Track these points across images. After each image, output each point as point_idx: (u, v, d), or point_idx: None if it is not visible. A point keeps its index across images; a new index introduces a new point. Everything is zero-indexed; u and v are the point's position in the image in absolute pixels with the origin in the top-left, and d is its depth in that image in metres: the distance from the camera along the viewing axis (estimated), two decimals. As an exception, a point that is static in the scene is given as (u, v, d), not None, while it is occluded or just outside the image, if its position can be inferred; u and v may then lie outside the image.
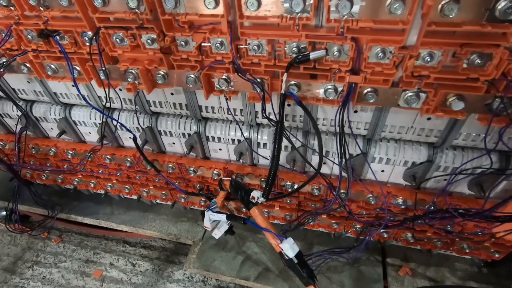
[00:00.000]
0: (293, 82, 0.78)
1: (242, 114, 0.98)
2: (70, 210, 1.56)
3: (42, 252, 1.75)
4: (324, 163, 1.02)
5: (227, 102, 0.91)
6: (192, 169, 1.12)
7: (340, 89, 0.76)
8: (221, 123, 1.04)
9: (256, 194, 0.94)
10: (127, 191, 1.37)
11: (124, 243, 1.76)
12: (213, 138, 1.06)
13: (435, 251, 1.22)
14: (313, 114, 0.90)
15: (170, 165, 1.14)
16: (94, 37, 0.79)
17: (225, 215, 1.02)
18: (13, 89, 1.16)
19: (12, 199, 1.47)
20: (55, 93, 1.12)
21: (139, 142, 1.09)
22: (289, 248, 0.88)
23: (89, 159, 1.19)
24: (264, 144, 1.03)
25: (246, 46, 0.73)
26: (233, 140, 1.05)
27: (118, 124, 1.07)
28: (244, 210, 1.25)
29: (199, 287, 1.55)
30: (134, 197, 1.43)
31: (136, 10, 0.71)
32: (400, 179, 0.99)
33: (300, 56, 0.70)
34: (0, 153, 1.30)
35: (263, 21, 0.68)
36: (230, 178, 1.05)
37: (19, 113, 1.17)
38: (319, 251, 1.26)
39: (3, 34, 0.85)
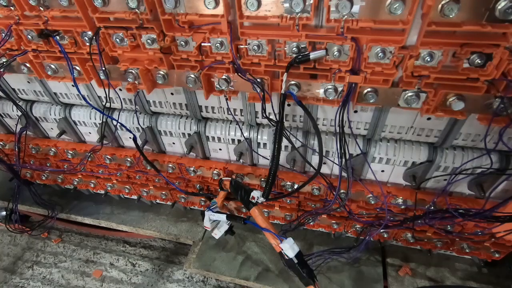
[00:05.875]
0: (293, 82, 0.78)
1: (242, 114, 0.98)
2: (70, 210, 1.56)
3: (42, 252, 1.75)
4: (324, 163, 1.02)
5: (227, 102, 0.92)
6: (192, 169, 1.12)
7: (340, 89, 0.76)
8: (221, 123, 1.04)
9: (256, 194, 0.94)
10: (127, 191, 1.37)
11: (124, 243, 1.76)
12: (213, 138, 1.06)
13: (435, 251, 1.22)
14: (313, 114, 0.90)
15: (170, 165, 1.14)
16: (94, 37, 0.79)
17: (225, 215, 1.02)
18: (13, 89, 1.16)
19: (12, 199, 1.47)
20: (55, 93, 1.12)
21: (139, 142, 1.09)
22: (289, 248, 0.88)
23: (89, 159, 1.19)
24: (264, 144, 1.03)
25: (246, 46, 0.73)
26: (233, 140, 1.05)
27: (118, 124, 1.07)
28: (244, 210, 1.25)
29: (199, 287, 1.55)
30: (134, 197, 1.43)
31: (136, 10, 0.71)
32: (400, 179, 0.99)
33: (300, 56, 0.70)
34: (0, 153, 1.30)
35: (263, 21, 0.68)
36: (230, 178, 1.05)
37: (19, 113, 1.17)
38: (319, 251, 1.26)
39: (3, 34, 0.85)
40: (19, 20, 0.81)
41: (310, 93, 0.79)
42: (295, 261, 0.89)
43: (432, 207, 0.93)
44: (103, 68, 0.86)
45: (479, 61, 0.61)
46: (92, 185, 1.39)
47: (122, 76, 0.86)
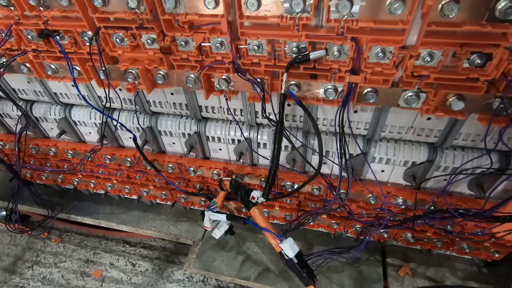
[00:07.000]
0: (293, 82, 0.78)
1: (242, 114, 0.98)
2: (70, 210, 1.56)
3: (42, 252, 1.75)
4: (324, 163, 1.02)
5: (227, 102, 0.91)
6: (192, 169, 1.12)
7: (340, 89, 0.76)
8: (221, 123, 1.04)
9: (256, 194, 0.94)
10: (127, 191, 1.37)
11: (124, 243, 1.76)
12: (213, 138, 1.06)
13: (435, 251, 1.22)
14: (313, 114, 0.90)
15: (170, 165, 1.14)
16: (94, 37, 0.79)
17: (225, 215, 1.02)
18: (13, 89, 1.16)
19: (12, 199, 1.47)
20: (55, 93, 1.12)
21: (139, 142, 1.09)
22: (289, 248, 0.88)
23: (89, 159, 1.19)
24: (264, 144, 1.03)
25: (246, 46, 0.73)
26: (233, 140, 1.05)
27: (118, 124, 1.07)
28: (244, 210, 1.25)
29: (199, 287, 1.55)
30: (134, 197, 1.43)
31: (136, 10, 0.71)
32: (400, 179, 0.99)
33: (300, 56, 0.70)
34: (0, 153, 1.30)
35: (263, 21, 0.68)
36: (230, 178, 1.05)
37: (19, 113, 1.17)
38: (319, 251, 1.26)
39: (3, 34, 0.85)
40: (19, 20, 0.81)
41: (310, 93, 0.79)
42: (295, 261, 0.89)
43: (432, 207, 0.93)
44: (103, 68, 0.85)
45: (479, 61, 0.61)
46: (92, 185, 1.39)
47: (122, 76, 0.86)
